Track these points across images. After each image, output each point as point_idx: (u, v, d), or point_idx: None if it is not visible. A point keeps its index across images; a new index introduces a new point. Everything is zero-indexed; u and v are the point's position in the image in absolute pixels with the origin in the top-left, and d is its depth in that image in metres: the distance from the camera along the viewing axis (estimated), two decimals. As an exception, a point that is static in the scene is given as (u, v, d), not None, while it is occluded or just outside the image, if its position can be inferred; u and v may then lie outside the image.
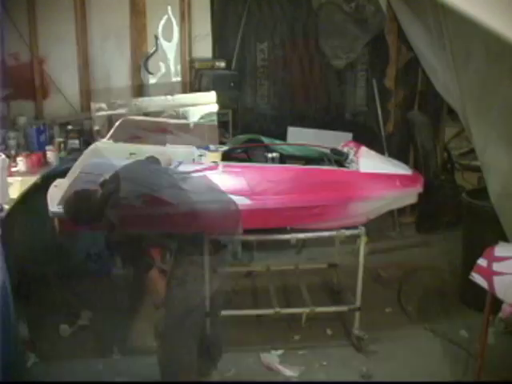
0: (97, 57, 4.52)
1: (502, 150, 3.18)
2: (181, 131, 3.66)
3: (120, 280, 4.16)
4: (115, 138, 3.38)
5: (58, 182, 3.27)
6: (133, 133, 3.54)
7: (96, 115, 3.77)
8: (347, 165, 3.48)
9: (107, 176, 2.71)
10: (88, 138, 4.11)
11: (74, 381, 3.14)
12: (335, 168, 3.38)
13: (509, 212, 3.23)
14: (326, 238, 3.57)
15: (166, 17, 4.08)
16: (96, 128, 3.78)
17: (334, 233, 3.35)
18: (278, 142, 3.77)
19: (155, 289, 2.68)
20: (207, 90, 4.24)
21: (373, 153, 3.63)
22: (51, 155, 3.98)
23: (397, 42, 5.08)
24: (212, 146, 3.53)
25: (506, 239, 3.03)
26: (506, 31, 1.40)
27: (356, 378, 3.21)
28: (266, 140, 3.61)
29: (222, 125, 4.38)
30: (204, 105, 3.83)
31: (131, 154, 3.20)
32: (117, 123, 3.48)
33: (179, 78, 4.35)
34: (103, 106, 3.78)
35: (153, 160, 2.91)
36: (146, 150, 3.32)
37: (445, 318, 3.76)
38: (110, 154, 3.15)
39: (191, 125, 3.70)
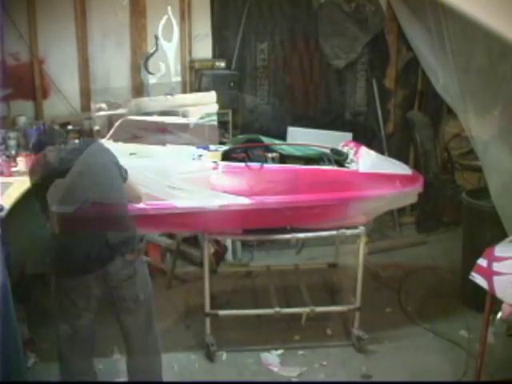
0: (97, 57, 4.51)
1: (503, 150, 3.19)
2: (181, 131, 3.66)
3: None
4: (115, 138, 3.38)
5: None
6: (133, 133, 3.53)
7: (96, 115, 3.77)
8: (347, 165, 3.48)
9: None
10: (88, 138, 4.11)
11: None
12: (335, 168, 3.38)
13: (509, 211, 3.23)
14: (326, 238, 3.57)
15: (165, 17, 4.07)
16: (96, 128, 3.77)
17: (334, 233, 3.35)
18: (277, 141, 3.77)
19: None
20: (207, 90, 4.23)
21: (373, 153, 3.63)
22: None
23: (397, 42, 5.09)
24: (212, 146, 3.53)
25: (506, 239, 3.03)
26: (506, 31, 1.40)
27: (356, 377, 3.21)
28: (265, 140, 3.61)
29: (222, 125, 4.38)
30: (204, 105, 3.82)
31: (131, 153, 3.21)
32: (117, 123, 3.48)
33: (179, 78, 4.34)
34: (103, 105, 3.77)
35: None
36: (146, 149, 3.33)
37: (445, 318, 3.77)
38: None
39: (191, 125, 3.69)
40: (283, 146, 3.62)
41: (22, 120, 4.23)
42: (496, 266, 2.56)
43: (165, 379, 3.14)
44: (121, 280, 2.58)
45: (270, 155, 3.44)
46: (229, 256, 4.54)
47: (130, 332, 2.71)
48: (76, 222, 2.57)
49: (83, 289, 2.56)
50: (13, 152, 3.92)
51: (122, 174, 2.70)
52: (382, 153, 4.66)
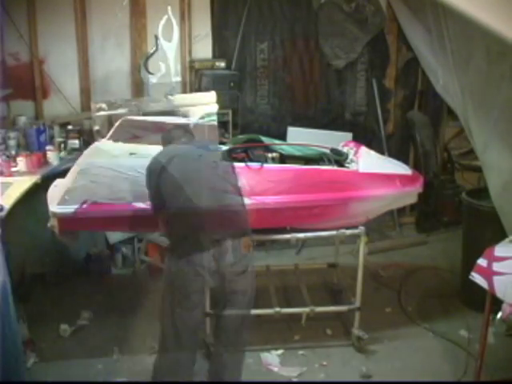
0: (97, 57, 4.52)
1: (503, 149, 3.19)
2: (181, 131, 3.65)
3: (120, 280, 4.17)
4: (115, 138, 3.38)
5: (58, 181, 3.28)
6: (133, 133, 3.53)
7: (96, 115, 3.77)
8: (347, 165, 3.48)
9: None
10: (88, 138, 4.11)
11: (74, 381, 3.14)
12: (335, 168, 3.38)
13: (509, 211, 3.23)
14: (326, 238, 3.57)
15: (165, 17, 4.07)
16: (96, 128, 3.77)
17: (333, 233, 3.35)
18: (277, 141, 3.77)
19: None
20: (207, 90, 4.24)
21: (373, 153, 3.63)
22: (51, 155, 3.98)
23: (397, 42, 5.09)
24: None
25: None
26: (505, 31, 1.40)
27: (356, 377, 3.21)
28: (265, 140, 3.61)
29: (222, 125, 4.38)
30: (204, 105, 3.82)
31: (131, 153, 3.20)
32: (117, 123, 3.48)
33: (179, 78, 4.35)
34: (103, 105, 3.78)
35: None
36: (146, 150, 3.33)
37: (445, 318, 3.77)
38: (109, 154, 3.16)
39: (191, 125, 3.69)
40: (283, 146, 3.62)
41: (21, 120, 4.23)
42: (496, 266, 2.55)
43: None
44: (235, 274, 2.67)
45: (270, 155, 3.44)
46: (229, 256, 4.53)
47: (228, 324, 2.76)
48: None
49: (199, 281, 2.60)
50: (13, 152, 3.93)
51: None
52: (382, 153, 4.66)
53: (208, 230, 2.59)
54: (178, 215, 2.62)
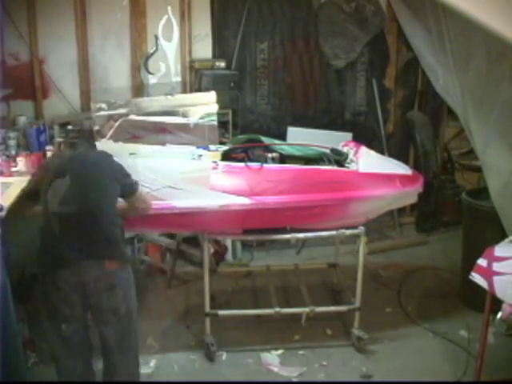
0: (97, 57, 4.51)
1: (503, 150, 3.19)
2: (181, 131, 3.66)
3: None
4: (115, 138, 3.38)
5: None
6: (133, 133, 3.53)
7: (96, 115, 3.77)
8: (347, 165, 3.48)
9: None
10: (88, 138, 4.11)
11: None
12: (335, 168, 3.38)
13: (509, 211, 3.23)
14: (326, 238, 3.57)
15: (165, 17, 4.07)
16: (96, 128, 3.77)
17: (333, 233, 3.35)
18: (277, 141, 3.77)
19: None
20: (207, 90, 4.24)
21: (373, 153, 3.63)
22: (51, 155, 3.97)
23: (397, 42, 5.09)
24: (212, 146, 3.53)
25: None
26: (505, 31, 1.40)
27: (356, 377, 3.21)
28: (265, 140, 3.61)
29: (222, 125, 4.38)
30: (204, 105, 3.82)
31: (131, 153, 3.21)
32: (117, 123, 3.48)
33: (179, 78, 4.35)
34: (103, 105, 3.77)
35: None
36: (146, 149, 3.33)
37: (445, 318, 3.77)
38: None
39: (191, 125, 3.69)
40: (283, 146, 3.62)
41: (21, 120, 4.23)
42: (496, 266, 2.56)
43: (165, 379, 3.15)
44: (99, 290, 2.50)
45: (269, 155, 3.44)
46: (229, 256, 4.54)
47: (108, 345, 2.64)
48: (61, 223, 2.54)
49: (63, 295, 2.49)
50: (13, 152, 3.92)
51: (125, 187, 2.72)
52: (382, 153, 4.67)
53: (71, 243, 2.47)
54: (46, 224, 2.53)
